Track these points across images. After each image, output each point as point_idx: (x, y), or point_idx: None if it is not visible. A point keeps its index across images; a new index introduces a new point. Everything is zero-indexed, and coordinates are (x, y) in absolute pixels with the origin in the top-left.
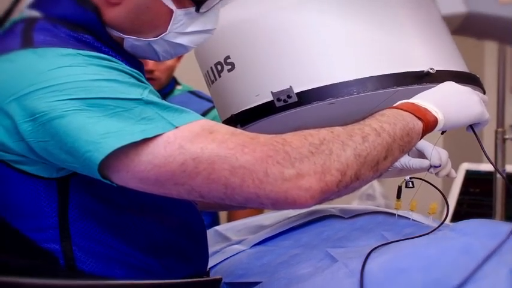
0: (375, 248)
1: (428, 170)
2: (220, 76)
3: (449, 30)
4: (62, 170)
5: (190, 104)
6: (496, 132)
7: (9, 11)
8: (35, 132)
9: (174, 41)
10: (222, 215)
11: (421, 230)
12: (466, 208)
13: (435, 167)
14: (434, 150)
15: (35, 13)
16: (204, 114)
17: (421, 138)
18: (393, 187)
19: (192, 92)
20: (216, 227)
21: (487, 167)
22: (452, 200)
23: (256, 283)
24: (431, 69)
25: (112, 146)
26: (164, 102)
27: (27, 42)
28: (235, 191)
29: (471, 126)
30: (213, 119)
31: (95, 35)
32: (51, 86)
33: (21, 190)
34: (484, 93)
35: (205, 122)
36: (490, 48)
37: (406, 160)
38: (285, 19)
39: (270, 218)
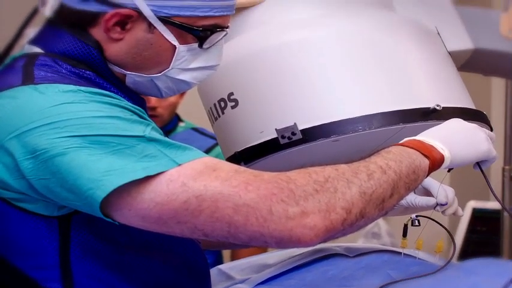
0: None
1: (434, 208)
2: (223, 113)
3: (456, 66)
4: (63, 208)
5: (193, 141)
6: (504, 170)
7: (10, 47)
8: (35, 170)
9: (176, 77)
10: (226, 253)
11: (428, 269)
12: (473, 247)
13: (441, 205)
14: (440, 188)
15: (36, 49)
16: (208, 151)
17: (427, 176)
18: (399, 225)
19: (195, 129)
20: (220, 266)
21: (494, 205)
22: (459, 239)
23: None
24: (437, 106)
25: (114, 183)
26: (167, 139)
27: (28, 79)
28: (239, 230)
29: (478, 164)
30: (217, 156)
31: (96, 71)
32: (52, 123)
33: (22, 228)
34: (491, 130)
35: (208, 160)
36: (497, 84)
37: (412, 198)
38: (289, 55)
39: (274, 256)
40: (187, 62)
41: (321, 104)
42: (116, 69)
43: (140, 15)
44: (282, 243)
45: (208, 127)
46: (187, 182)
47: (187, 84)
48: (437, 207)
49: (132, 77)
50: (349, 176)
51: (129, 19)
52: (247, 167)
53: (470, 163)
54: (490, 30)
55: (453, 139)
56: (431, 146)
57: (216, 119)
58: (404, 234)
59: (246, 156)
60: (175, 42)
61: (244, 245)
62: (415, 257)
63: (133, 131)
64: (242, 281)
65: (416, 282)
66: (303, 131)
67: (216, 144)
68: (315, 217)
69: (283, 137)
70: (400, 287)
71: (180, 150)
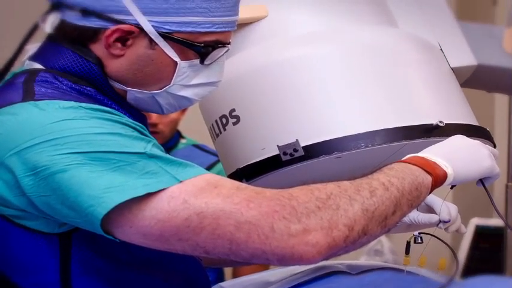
0: None
1: (437, 225)
2: (225, 129)
3: (459, 82)
4: (64, 225)
5: (195, 157)
6: (507, 186)
7: (10, 63)
8: (36, 187)
9: (178, 93)
10: (227, 271)
11: (431, 286)
12: (476, 264)
13: (444, 222)
14: (443, 204)
15: (36, 65)
16: (209, 168)
17: (430, 193)
18: (402, 242)
19: (197, 146)
20: (221, 284)
21: (497, 222)
22: (462, 256)
23: None
24: (440, 122)
25: (115, 200)
26: (168, 156)
27: (29, 95)
28: (241, 247)
29: (481, 181)
30: (218, 173)
31: (97, 87)
32: (53, 139)
33: (22, 245)
34: (495, 146)
35: (210, 176)
36: (501, 101)
37: (414, 215)
38: (291, 72)
39: (276, 274)
40: (188, 78)
41: (323, 120)
42: (117, 85)
43: (141, 31)
44: (284, 260)
45: (209, 144)
46: (189, 199)
47: (189, 101)
48: (440, 224)
49: (133, 93)
50: (351, 193)
51: (130, 35)
52: (249, 184)
53: (473, 180)
54: (493, 46)
55: (456, 156)
56: (434, 162)
57: (217, 135)
58: (407, 252)
59: (248, 173)
60: (176, 58)
61: (245, 263)
62: (418, 274)
63: (135, 147)
64: None
65: None
66: (305, 147)
67: (218, 161)
68: (317, 234)
69: (285, 153)
70: None
71: (181, 167)
